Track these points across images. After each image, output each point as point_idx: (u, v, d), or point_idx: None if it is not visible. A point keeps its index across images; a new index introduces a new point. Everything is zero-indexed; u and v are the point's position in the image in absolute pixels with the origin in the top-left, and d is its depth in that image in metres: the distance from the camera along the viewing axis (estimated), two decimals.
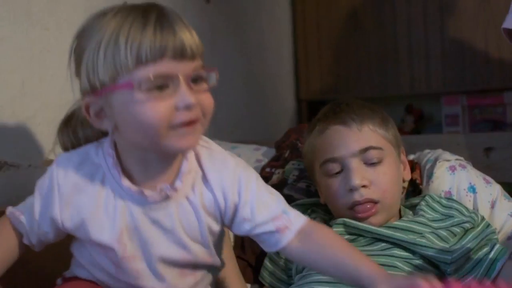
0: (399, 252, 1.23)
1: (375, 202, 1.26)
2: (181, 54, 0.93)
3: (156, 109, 0.92)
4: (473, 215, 1.32)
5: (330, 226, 1.29)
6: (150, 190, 1.00)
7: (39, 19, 1.40)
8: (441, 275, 1.22)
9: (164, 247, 1.03)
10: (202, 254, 1.06)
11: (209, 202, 1.03)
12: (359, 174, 1.26)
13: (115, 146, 1.02)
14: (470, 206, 1.42)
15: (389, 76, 2.75)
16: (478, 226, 1.30)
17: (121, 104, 0.93)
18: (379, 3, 2.77)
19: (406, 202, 1.42)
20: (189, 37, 0.94)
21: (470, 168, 1.50)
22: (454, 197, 1.43)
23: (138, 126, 0.93)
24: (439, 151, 1.53)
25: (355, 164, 1.27)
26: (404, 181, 1.38)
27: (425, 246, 1.23)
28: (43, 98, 1.41)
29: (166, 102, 0.92)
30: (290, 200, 1.53)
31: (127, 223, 1.01)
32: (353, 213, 1.27)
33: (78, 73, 0.99)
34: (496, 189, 1.45)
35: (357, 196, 1.25)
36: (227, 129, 2.18)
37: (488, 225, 1.31)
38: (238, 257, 1.45)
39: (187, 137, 0.95)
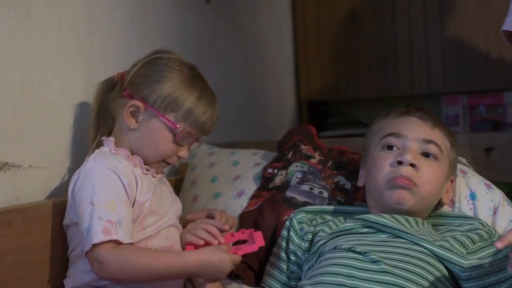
0: (417, 248, 1.27)
1: (414, 184, 1.31)
2: (208, 133, 1.39)
3: (169, 148, 1.35)
4: (491, 229, 1.35)
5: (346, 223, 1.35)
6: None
7: (39, 20, 1.40)
8: (455, 280, 1.25)
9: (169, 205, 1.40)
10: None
11: None
12: (414, 155, 1.32)
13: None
14: (470, 214, 1.43)
15: (389, 76, 2.75)
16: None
17: (156, 126, 1.33)
18: (379, 3, 2.77)
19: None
20: (216, 123, 1.39)
21: (471, 173, 1.50)
22: (457, 205, 1.45)
23: (153, 147, 1.34)
24: None
25: (414, 147, 1.34)
26: (438, 202, 1.40)
27: (442, 247, 1.25)
28: (43, 98, 1.40)
29: (174, 147, 1.35)
30: (292, 202, 1.53)
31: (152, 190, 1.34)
32: (391, 184, 1.31)
33: (140, 81, 1.33)
34: (498, 194, 1.46)
35: (403, 171, 1.31)
36: (226, 130, 2.17)
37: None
38: None
39: (166, 167, 1.41)
